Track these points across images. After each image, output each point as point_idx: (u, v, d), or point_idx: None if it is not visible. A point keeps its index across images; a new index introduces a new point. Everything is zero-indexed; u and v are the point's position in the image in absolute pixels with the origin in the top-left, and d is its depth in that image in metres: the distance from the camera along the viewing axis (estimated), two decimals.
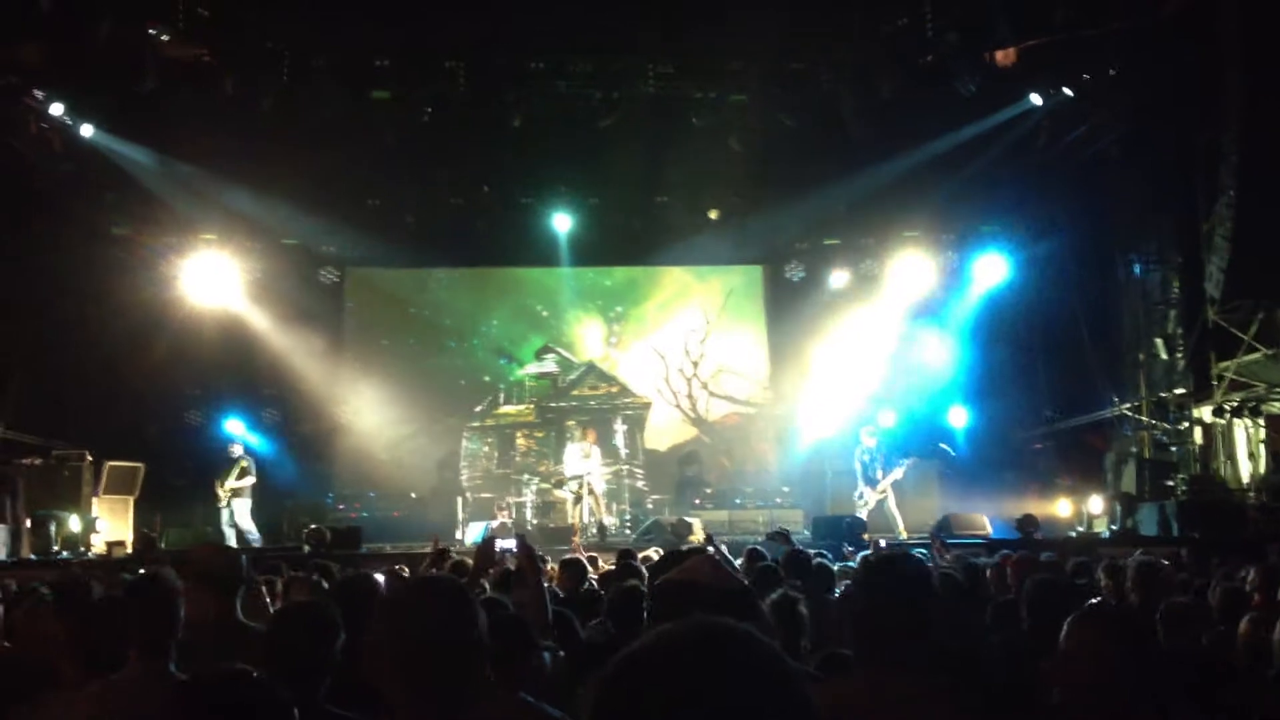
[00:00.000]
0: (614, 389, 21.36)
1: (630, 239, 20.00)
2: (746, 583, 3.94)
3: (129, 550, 14.61)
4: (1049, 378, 19.05)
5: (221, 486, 16.26)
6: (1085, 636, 2.88)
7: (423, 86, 16.31)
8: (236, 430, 17.73)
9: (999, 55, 15.57)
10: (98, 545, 15.05)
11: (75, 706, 3.64)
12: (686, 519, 15.87)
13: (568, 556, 8.94)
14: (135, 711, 3.51)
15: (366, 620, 2.84)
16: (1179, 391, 16.61)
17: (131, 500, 16.24)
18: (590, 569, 8.43)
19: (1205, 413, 16.32)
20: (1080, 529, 15.94)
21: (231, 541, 15.26)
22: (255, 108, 15.82)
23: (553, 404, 21.12)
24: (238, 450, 16.63)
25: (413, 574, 8.53)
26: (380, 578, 7.48)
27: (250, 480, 16.48)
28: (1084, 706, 2.83)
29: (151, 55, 14.90)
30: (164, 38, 14.84)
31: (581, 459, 16.68)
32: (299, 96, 15.96)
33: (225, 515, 16.25)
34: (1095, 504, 16.16)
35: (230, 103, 15.72)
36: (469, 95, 16.21)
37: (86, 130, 16.21)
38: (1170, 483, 15.64)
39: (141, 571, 4.30)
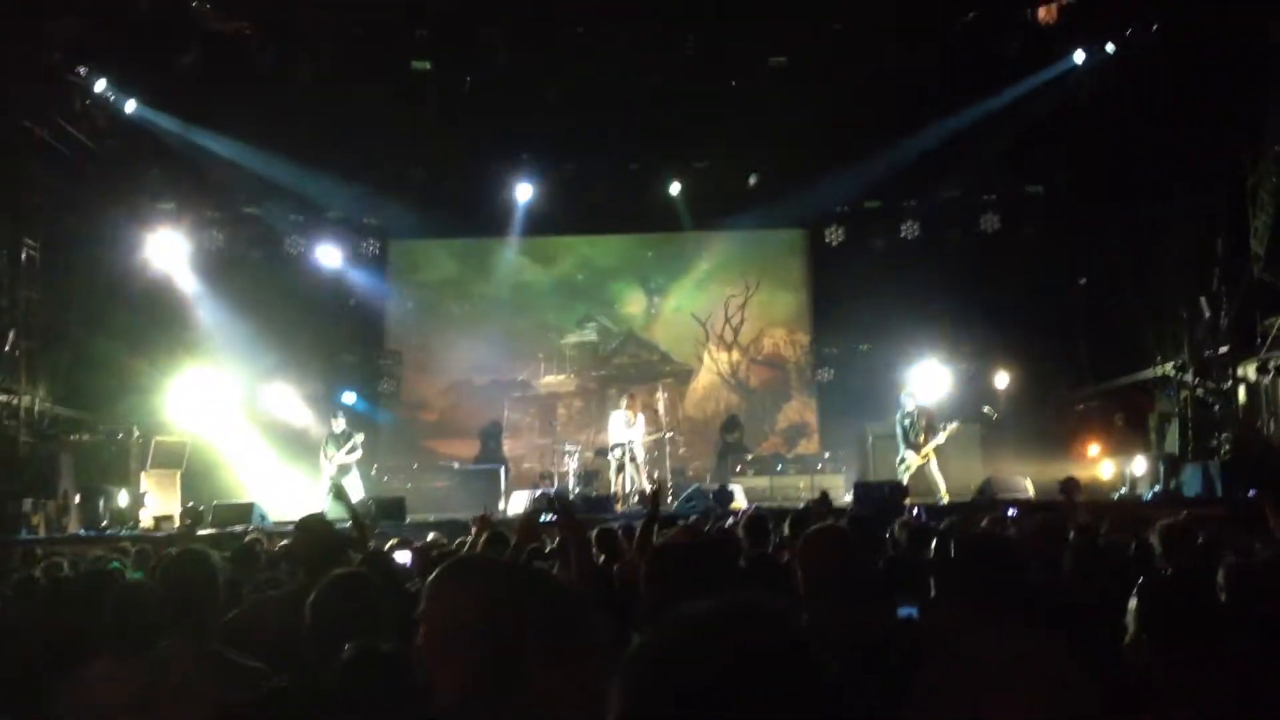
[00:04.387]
0: (655, 356, 21.34)
1: (669, 205, 19.87)
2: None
3: (176, 525, 14.81)
4: (1091, 338, 18.90)
5: (328, 459, 16.23)
6: None
7: (462, 55, 16.29)
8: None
9: (1041, 12, 15.41)
10: (145, 520, 15.24)
11: (115, 680, 3.73)
12: (728, 486, 15.89)
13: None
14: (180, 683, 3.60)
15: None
16: (1223, 349, 16.39)
17: (179, 474, 16.34)
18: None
19: (1250, 371, 16.11)
20: (1124, 491, 15.82)
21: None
22: (296, 79, 15.88)
23: (593, 372, 21.15)
24: (341, 424, 16.58)
25: (449, 543, 8.60)
26: (406, 556, 7.55)
27: (358, 455, 16.45)
28: None
29: (193, 28, 14.99)
30: (206, 6, 14.92)
31: (625, 427, 16.66)
32: (339, 67, 16.00)
33: (331, 490, 16.11)
34: (1139, 465, 16.00)
35: (271, 75, 15.79)
36: (509, 62, 16.17)
37: (129, 106, 16.33)
38: (1214, 442, 15.48)
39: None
